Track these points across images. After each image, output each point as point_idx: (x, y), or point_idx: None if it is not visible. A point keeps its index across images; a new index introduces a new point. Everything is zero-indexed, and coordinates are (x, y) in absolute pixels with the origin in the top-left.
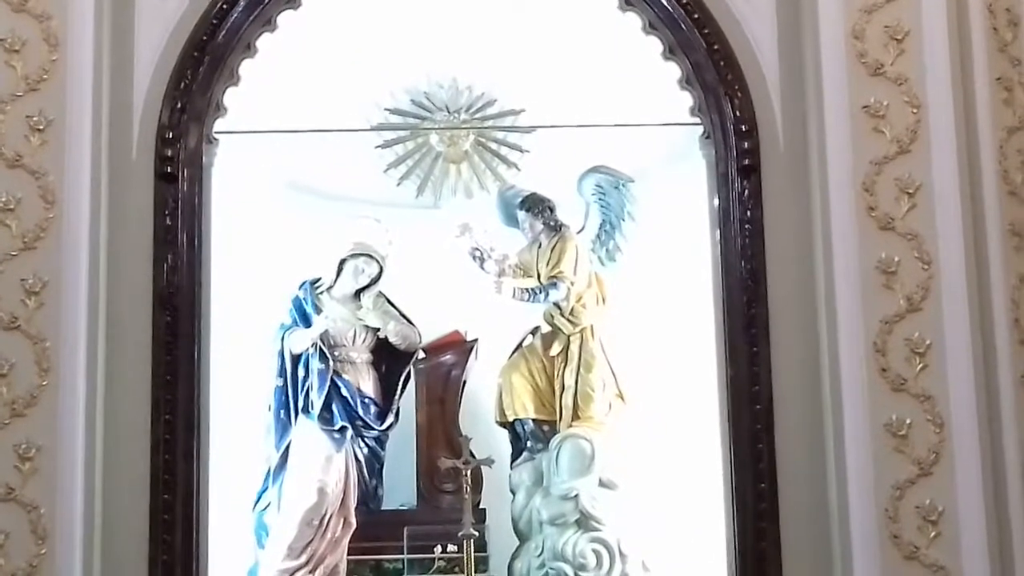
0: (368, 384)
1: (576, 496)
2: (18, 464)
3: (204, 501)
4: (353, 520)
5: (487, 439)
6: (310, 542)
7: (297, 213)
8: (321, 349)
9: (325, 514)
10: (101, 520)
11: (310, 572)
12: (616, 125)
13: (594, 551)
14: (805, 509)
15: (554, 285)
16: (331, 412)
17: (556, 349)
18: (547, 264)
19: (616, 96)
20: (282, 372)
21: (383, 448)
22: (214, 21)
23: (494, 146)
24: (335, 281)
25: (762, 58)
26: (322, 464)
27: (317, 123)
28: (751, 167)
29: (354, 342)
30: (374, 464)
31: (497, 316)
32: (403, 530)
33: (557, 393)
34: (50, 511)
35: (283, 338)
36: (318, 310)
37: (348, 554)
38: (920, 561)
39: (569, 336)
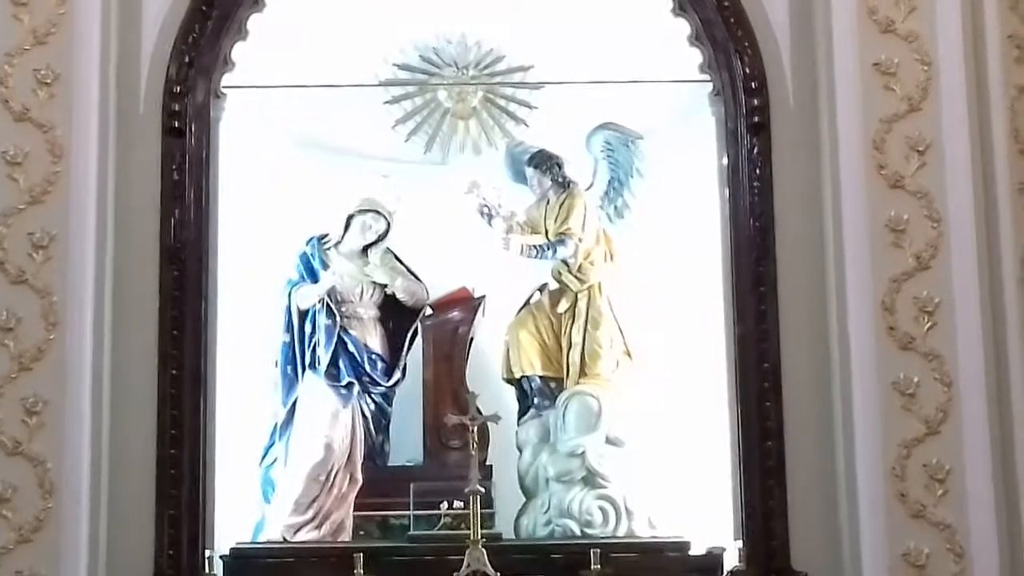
0: (375, 340)
1: (583, 453)
2: (25, 418)
3: (211, 456)
4: (359, 476)
5: (494, 396)
6: (316, 498)
7: (305, 168)
8: (328, 305)
9: (331, 470)
10: (108, 474)
11: (316, 527)
12: (625, 82)
13: (600, 508)
14: (812, 467)
15: (562, 242)
16: (338, 368)
17: (564, 306)
18: (555, 221)
19: (625, 52)
20: (289, 328)
21: (390, 404)
22: None
23: (502, 102)
24: (342, 237)
25: (772, 15)
26: (328, 420)
27: (325, 78)
28: (760, 124)
29: (361, 298)
30: (380, 420)
31: (505, 273)
32: (409, 486)
33: (564, 350)
34: (57, 465)
35: (290, 294)
36: (325, 266)
37: (354, 510)
38: (927, 519)
39: (577, 293)
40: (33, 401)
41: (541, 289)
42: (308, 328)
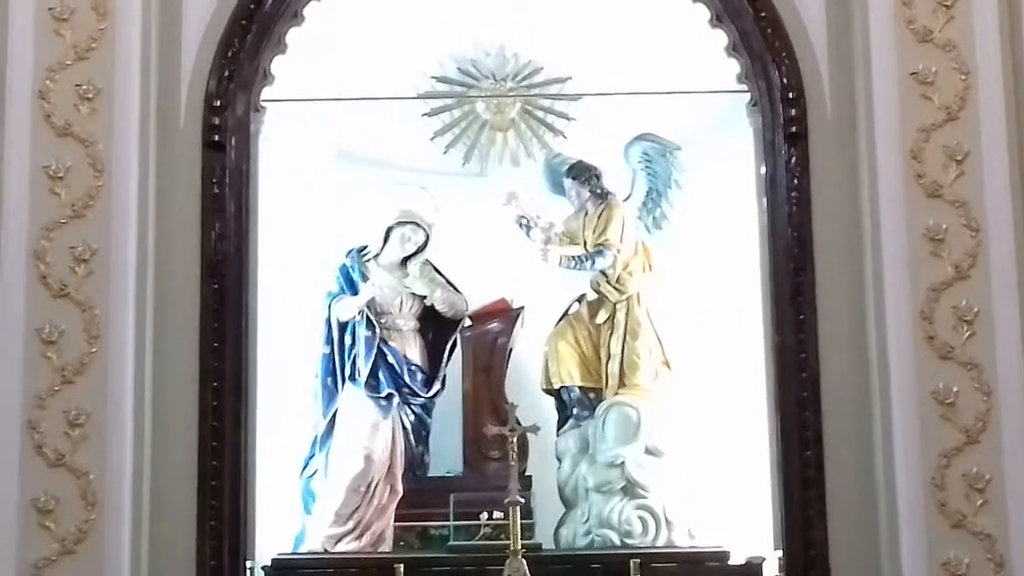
0: (415, 351)
1: (622, 463)
2: (68, 430)
3: (252, 467)
4: (400, 487)
5: (533, 406)
6: (357, 508)
7: (344, 181)
8: (368, 316)
9: (372, 481)
10: (150, 486)
11: (357, 538)
12: (663, 93)
13: (640, 518)
14: (851, 477)
15: (600, 253)
16: (378, 379)
17: (602, 317)
18: (593, 232)
19: (663, 63)
20: (329, 339)
21: (429, 415)
22: None
23: (540, 114)
24: (382, 249)
25: (810, 25)
26: (369, 431)
27: (364, 91)
28: (798, 134)
29: (401, 309)
30: (420, 431)
31: (543, 284)
32: (449, 497)
33: (603, 361)
34: (99, 477)
35: (330, 306)
36: (365, 278)
37: (395, 520)
38: (967, 529)
39: (615, 304)
40: (76, 413)
41: (580, 300)
42: (348, 340)
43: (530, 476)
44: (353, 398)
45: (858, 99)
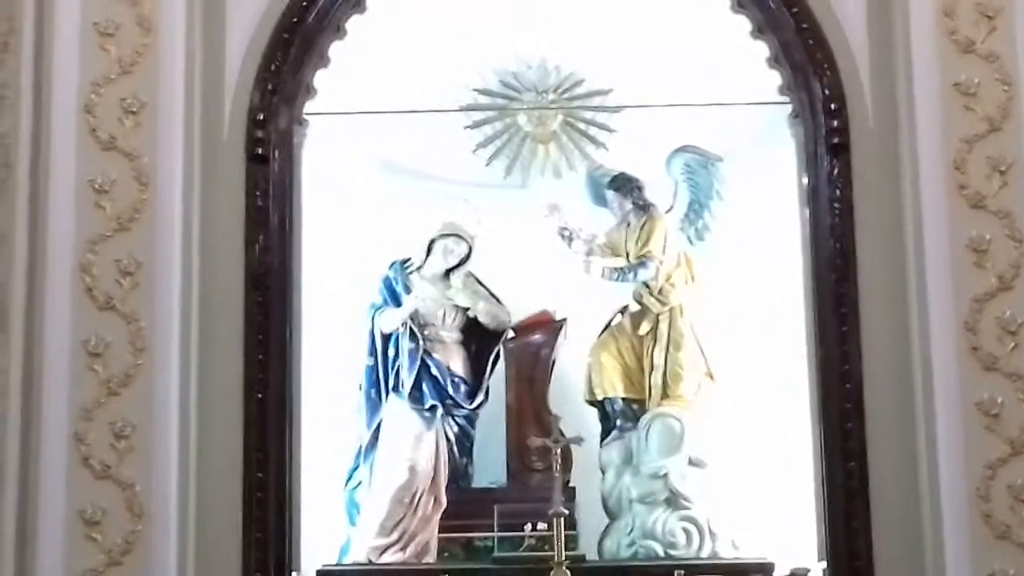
0: (458, 363)
1: (666, 475)
2: (113, 442)
3: (296, 479)
4: (444, 498)
5: (576, 418)
6: (401, 520)
7: (386, 193)
8: (411, 328)
9: (416, 492)
10: (195, 497)
11: (401, 549)
12: (705, 104)
13: (684, 529)
14: (895, 488)
15: (643, 264)
16: (421, 391)
17: (645, 328)
18: (636, 243)
19: (704, 75)
20: (372, 351)
21: (473, 427)
22: (304, 3)
23: (582, 126)
24: (425, 261)
25: (851, 36)
26: (412, 442)
27: (406, 104)
28: (840, 145)
29: (444, 321)
30: (464, 442)
31: (586, 295)
32: (493, 508)
33: (646, 372)
34: (145, 488)
35: (373, 318)
36: (408, 290)
37: (439, 531)
38: (1012, 540)
39: (658, 315)
40: (121, 425)
41: (623, 311)
42: (392, 352)
43: (574, 487)
44: (397, 410)
45: (900, 110)
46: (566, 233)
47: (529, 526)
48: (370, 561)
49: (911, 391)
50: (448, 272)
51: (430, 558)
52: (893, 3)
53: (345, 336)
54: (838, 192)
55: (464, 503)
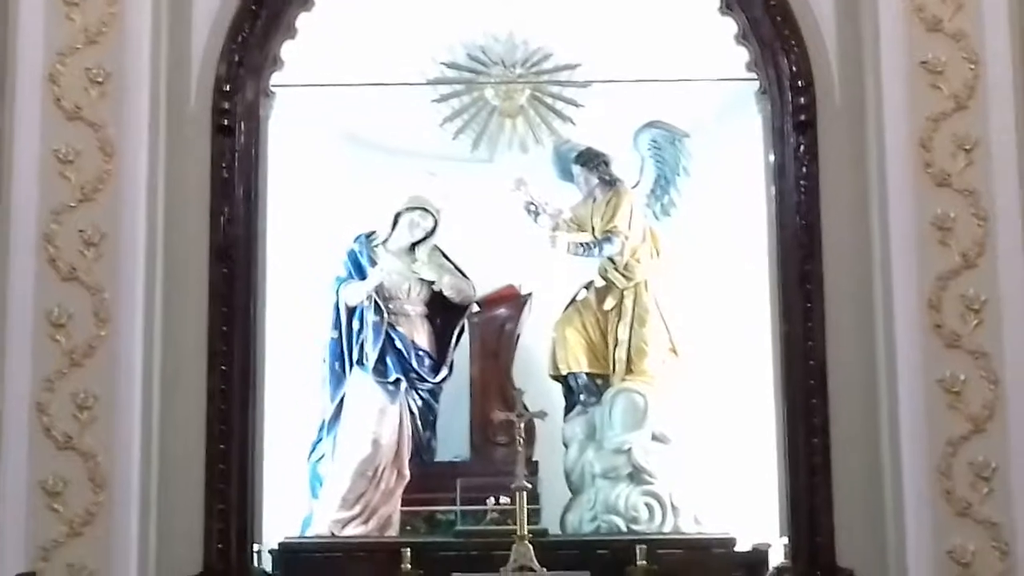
0: (422, 337)
1: (629, 450)
2: (76, 413)
3: (259, 451)
4: (407, 472)
5: (540, 392)
6: (364, 493)
7: (353, 166)
8: (376, 302)
9: (379, 465)
10: (157, 469)
11: (363, 522)
12: (672, 80)
13: (646, 504)
14: (858, 465)
15: (608, 239)
16: (385, 364)
17: (610, 303)
18: (601, 219)
19: (672, 51)
20: (337, 324)
21: (437, 400)
22: None
23: (549, 100)
24: (390, 234)
25: (819, 13)
26: (376, 416)
27: (373, 77)
28: (807, 122)
29: (409, 295)
30: (428, 416)
31: (551, 270)
32: (456, 482)
33: (610, 347)
34: (107, 459)
35: (338, 290)
36: (373, 263)
37: (401, 505)
38: (972, 517)
39: (623, 290)
40: (84, 396)
41: (588, 286)
42: (356, 325)
43: (537, 462)
44: (361, 383)
45: (867, 88)
46: (532, 207)
47: (492, 500)
48: (332, 534)
49: (874, 368)
50: (414, 246)
51: (392, 531)
52: None
53: (310, 309)
54: (804, 169)
55: (427, 477)
